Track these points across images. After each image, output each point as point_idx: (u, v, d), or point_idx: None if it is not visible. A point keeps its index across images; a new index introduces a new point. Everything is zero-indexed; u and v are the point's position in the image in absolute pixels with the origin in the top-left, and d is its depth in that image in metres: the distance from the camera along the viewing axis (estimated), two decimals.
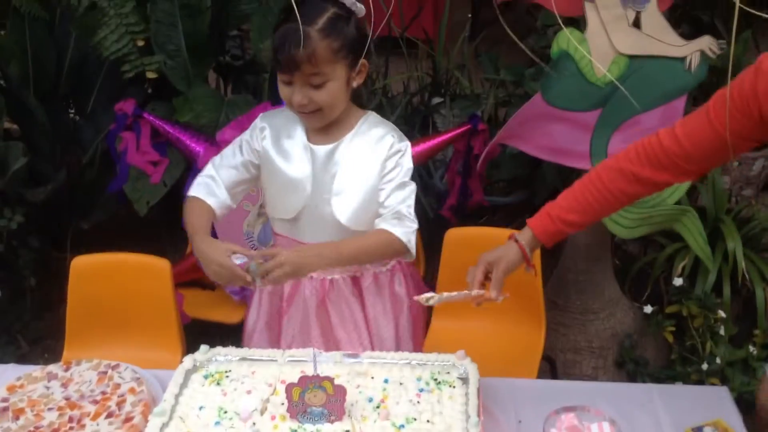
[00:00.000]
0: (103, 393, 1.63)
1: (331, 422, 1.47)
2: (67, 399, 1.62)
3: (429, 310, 2.24)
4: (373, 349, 1.82)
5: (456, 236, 2.21)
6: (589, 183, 1.56)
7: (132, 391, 1.62)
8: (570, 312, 2.67)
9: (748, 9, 1.36)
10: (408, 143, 1.76)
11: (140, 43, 2.67)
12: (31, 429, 1.53)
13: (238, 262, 1.60)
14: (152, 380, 1.70)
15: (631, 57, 2.10)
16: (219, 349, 1.70)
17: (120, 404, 1.59)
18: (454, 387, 1.57)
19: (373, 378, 1.60)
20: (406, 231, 1.70)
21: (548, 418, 1.54)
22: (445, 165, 2.99)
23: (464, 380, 1.59)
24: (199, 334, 2.29)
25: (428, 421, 1.47)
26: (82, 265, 2.08)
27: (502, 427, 1.58)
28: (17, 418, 1.56)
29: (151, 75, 2.70)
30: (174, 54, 2.73)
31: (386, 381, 1.59)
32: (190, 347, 1.91)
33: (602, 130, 2.19)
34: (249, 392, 1.56)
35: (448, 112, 3.30)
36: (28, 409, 1.58)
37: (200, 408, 1.53)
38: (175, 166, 2.68)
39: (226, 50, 3.18)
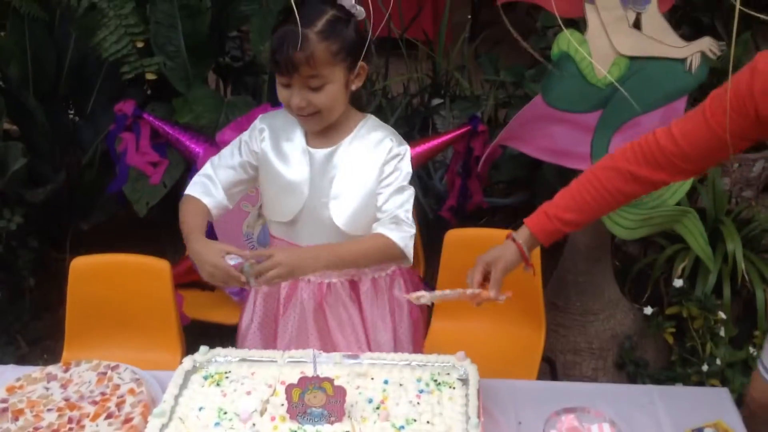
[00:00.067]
0: (103, 394, 1.63)
1: (331, 423, 1.47)
2: (66, 400, 1.61)
3: (429, 315, 2.24)
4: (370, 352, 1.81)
5: (456, 237, 2.21)
6: (586, 182, 1.56)
7: (131, 392, 1.62)
8: (570, 313, 2.67)
9: (748, 11, 1.36)
10: (407, 147, 1.74)
11: (140, 44, 2.67)
12: (31, 430, 1.53)
13: (232, 262, 1.58)
14: (152, 381, 1.70)
15: (632, 58, 2.10)
16: (219, 350, 1.70)
17: (119, 405, 1.58)
18: (454, 388, 1.57)
19: (373, 379, 1.60)
20: (404, 236, 1.68)
21: (548, 420, 1.54)
22: (445, 166, 2.99)
23: (464, 381, 1.59)
24: (199, 335, 2.29)
25: (428, 422, 1.47)
26: (81, 265, 2.08)
27: (502, 429, 1.57)
28: (16, 419, 1.55)
29: (150, 76, 2.70)
30: (173, 55, 2.73)
31: (386, 382, 1.58)
32: (190, 348, 1.91)
33: (603, 132, 2.19)
34: (249, 393, 1.56)
35: (447, 113, 3.30)
36: (27, 410, 1.58)
37: (200, 409, 1.53)
38: (174, 167, 2.68)
39: (225, 51, 3.18)
